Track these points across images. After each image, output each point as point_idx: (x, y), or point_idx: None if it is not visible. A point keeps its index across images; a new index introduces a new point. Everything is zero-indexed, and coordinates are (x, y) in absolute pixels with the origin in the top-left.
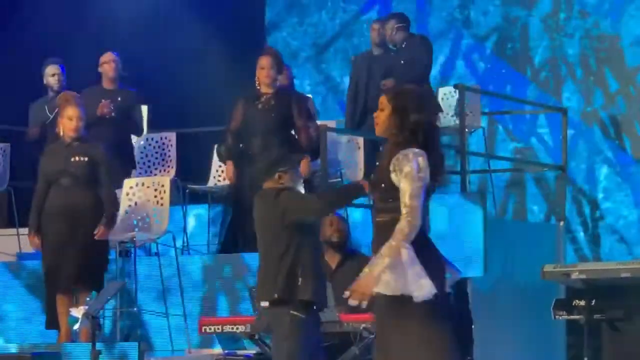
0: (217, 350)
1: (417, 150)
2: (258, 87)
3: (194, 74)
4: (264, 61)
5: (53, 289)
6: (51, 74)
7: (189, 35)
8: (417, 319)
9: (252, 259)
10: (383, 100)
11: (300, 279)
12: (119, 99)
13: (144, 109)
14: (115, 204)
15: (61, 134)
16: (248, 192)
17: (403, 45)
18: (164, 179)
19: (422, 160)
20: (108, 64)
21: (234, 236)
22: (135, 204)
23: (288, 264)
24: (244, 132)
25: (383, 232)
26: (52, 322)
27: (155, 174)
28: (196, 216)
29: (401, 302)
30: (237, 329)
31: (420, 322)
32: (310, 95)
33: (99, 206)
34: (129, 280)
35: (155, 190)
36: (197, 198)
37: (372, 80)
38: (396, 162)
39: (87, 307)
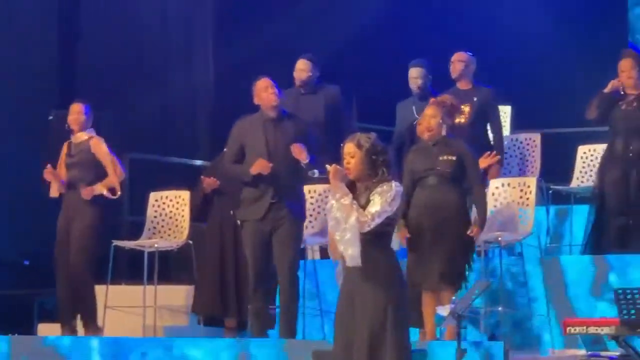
0: (581, 351)
1: None
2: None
3: (557, 74)
4: (624, 64)
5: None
6: (414, 77)
7: (550, 36)
8: None
9: (615, 261)
10: None
11: None
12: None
13: (508, 109)
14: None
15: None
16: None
17: None
18: (530, 180)
19: None
20: None
21: (598, 238)
22: (500, 204)
23: None
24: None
25: None
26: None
27: (519, 175)
28: (559, 217)
29: None
30: (602, 330)
31: None
32: None
33: (464, 205)
34: (494, 280)
35: (521, 190)
36: (560, 198)
37: None
38: None
39: (453, 305)
